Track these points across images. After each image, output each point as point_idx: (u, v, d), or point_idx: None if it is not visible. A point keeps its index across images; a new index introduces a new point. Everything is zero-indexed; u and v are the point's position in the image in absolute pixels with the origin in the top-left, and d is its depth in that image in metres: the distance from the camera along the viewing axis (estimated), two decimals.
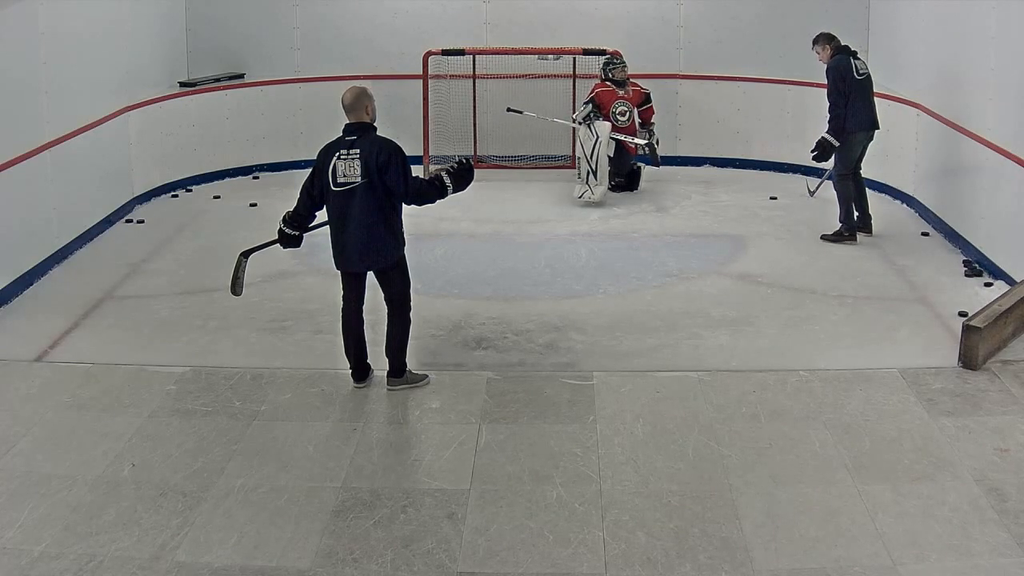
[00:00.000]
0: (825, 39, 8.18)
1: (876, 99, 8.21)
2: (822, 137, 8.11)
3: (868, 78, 8.11)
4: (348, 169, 5.38)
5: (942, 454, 4.94)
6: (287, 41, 10.92)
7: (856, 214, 8.27)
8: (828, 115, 8.06)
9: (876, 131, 8.18)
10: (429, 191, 5.53)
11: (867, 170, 9.16)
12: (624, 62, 9.86)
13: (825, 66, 8.12)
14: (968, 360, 5.85)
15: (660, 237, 8.52)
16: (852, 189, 8.20)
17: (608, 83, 9.85)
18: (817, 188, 8.58)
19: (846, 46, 8.10)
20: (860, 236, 8.23)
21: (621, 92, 9.83)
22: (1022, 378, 5.71)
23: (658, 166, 9.56)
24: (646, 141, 9.67)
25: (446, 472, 4.87)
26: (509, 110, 10.09)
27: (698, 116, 10.80)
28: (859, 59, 8.13)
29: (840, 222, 8.23)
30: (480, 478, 4.80)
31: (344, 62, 10.61)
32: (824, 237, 8.26)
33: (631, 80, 9.91)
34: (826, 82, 8.11)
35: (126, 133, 9.23)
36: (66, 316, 6.84)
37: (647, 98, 9.97)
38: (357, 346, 5.71)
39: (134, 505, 4.58)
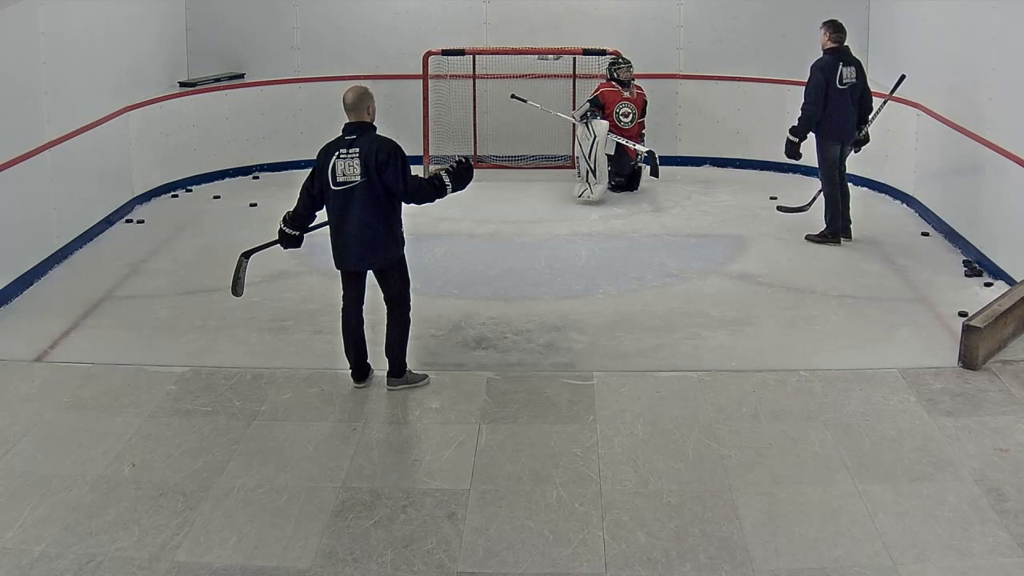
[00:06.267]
0: (830, 27, 8.02)
1: (875, 99, 8.18)
2: (787, 137, 8.20)
3: (852, 87, 7.96)
4: (347, 168, 5.38)
5: (942, 454, 4.94)
6: (287, 41, 10.92)
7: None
8: (800, 111, 8.07)
9: (859, 139, 8.13)
10: (428, 190, 5.53)
11: (868, 170, 9.20)
12: (630, 63, 9.86)
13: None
14: (968, 360, 5.85)
15: (660, 237, 8.52)
16: (838, 190, 8.14)
17: (613, 83, 9.85)
18: (812, 201, 8.60)
19: (845, 47, 8.03)
20: (844, 240, 8.20)
21: (626, 93, 9.84)
22: (1022, 378, 5.72)
23: (657, 176, 9.55)
24: (647, 149, 9.65)
25: (446, 472, 4.87)
26: (513, 97, 10.09)
27: (698, 116, 10.80)
28: (851, 65, 7.97)
29: (826, 223, 8.22)
30: (480, 478, 4.80)
31: (344, 62, 10.62)
32: (808, 237, 8.26)
33: (634, 83, 9.93)
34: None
35: (126, 133, 9.23)
36: (66, 316, 6.84)
37: (646, 106, 9.98)
38: (357, 346, 5.71)
39: (134, 505, 4.58)
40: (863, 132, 8.14)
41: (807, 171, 9.61)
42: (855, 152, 8.28)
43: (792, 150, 8.20)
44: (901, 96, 8.68)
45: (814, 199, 8.51)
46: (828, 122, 7.99)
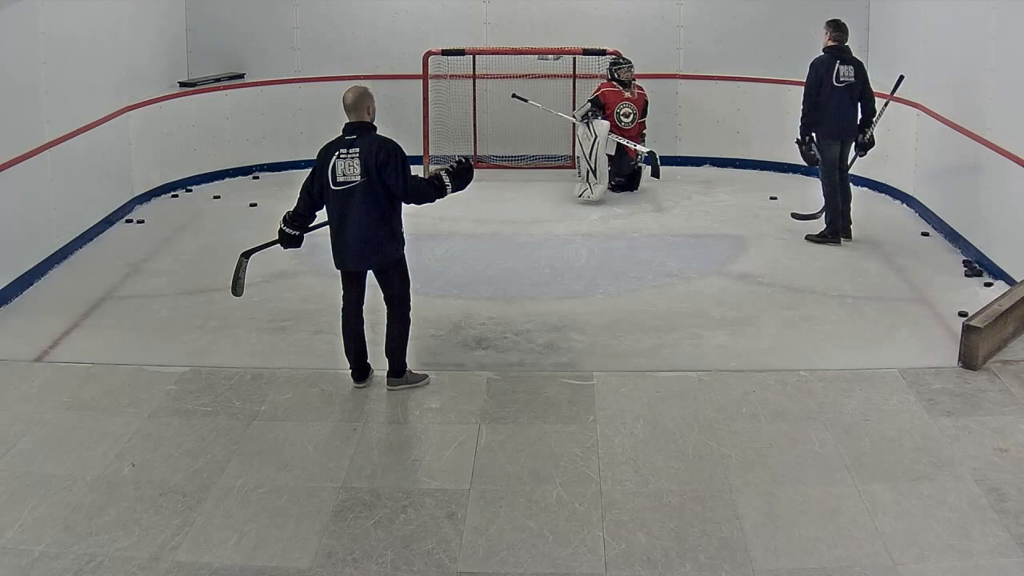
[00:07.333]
0: (831, 26, 8.03)
1: (877, 98, 8.16)
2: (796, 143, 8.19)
3: (851, 86, 7.94)
4: (347, 168, 5.39)
5: (942, 454, 4.94)
6: (287, 41, 10.92)
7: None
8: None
9: (863, 142, 8.11)
10: (428, 190, 5.53)
11: (868, 170, 9.18)
12: (631, 63, 9.86)
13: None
14: (968, 360, 5.85)
15: (660, 237, 8.52)
16: (837, 191, 8.14)
17: (614, 83, 9.85)
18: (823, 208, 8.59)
19: (845, 46, 8.03)
20: (844, 239, 8.18)
21: (627, 93, 9.84)
22: (1022, 378, 5.71)
23: (659, 177, 9.55)
24: (648, 150, 9.65)
25: (446, 472, 4.87)
26: (514, 96, 10.10)
27: (698, 116, 10.81)
28: (850, 64, 7.96)
29: (825, 223, 8.22)
30: (480, 478, 4.80)
31: (344, 62, 10.63)
32: (808, 237, 8.26)
33: (635, 83, 9.93)
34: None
35: (126, 133, 9.24)
36: (66, 316, 6.84)
37: (647, 107, 9.98)
38: (357, 346, 5.71)
39: (134, 505, 4.58)
40: (868, 135, 8.12)
41: (807, 171, 9.60)
42: (861, 156, 8.27)
43: (804, 155, 8.17)
44: (901, 96, 8.68)
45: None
46: (826, 120, 7.99)
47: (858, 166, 8.54)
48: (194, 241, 8.57)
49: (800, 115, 8.08)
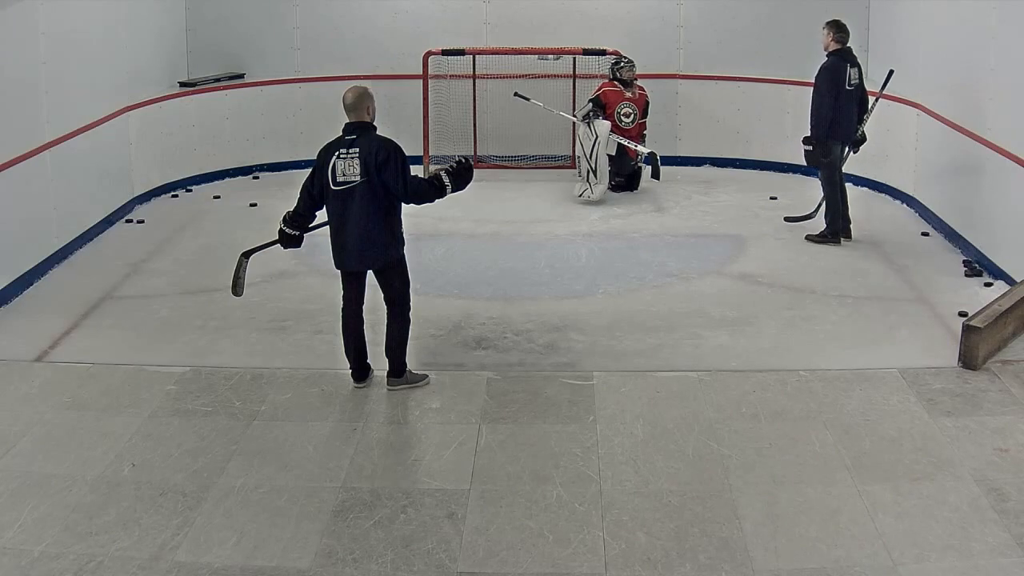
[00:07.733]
0: (834, 27, 7.99)
1: (869, 96, 8.18)
2: (804, 148, 8.10)
3: (856, 89, 7.99)
4: (347, 168, 5.39)
5: (942, 454, 4.94)
6: (287, 41, 10.92)
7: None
8: (811, 117, 7.99)
9: (857, 139, 8.13)
10: (428, 190, 5.53)
11: (868, 170, 9.18)
12: (632, 63, 9.86)
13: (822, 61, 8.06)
14: (968, 360, 5.85)
15: (660, 237, 8.52)
16: (838, 191, 8.13)
17: (615, 83, 9.85)
18: (818, 208, 8.56)
19: (848, 48, 8.03)
20: (844, 240, 8.18)
21: (628, 93, 9.83)
22: (1022, 378, 5.71)
23: (659, 178, 9.53)
24: (648, 150, 9.65)
25: (446, 472, 4.87)
26: (516, 95, 10.09)
27: (698, 116, 10.81)
28: (855, 66, 7.99)
29: (826, 223, 8.22)
30: (480, 478, 4.80)
31: (344, 62, 10.62)
32: (809, 238, 8.26)
33: (636, 83, 9.93)
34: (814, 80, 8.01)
35: (126, 133, 9.24)
36: (66, 316, 6.84)
37: (648, 107, 9.98)
38: (357, 346, 5.71)
39: (134, 505, 4.58)
40: (859, 132, 8.15)
41: (807, 171, 9.61)
42: (854, 152, 8.28)
43: (811, 157, 8.12)
44: (901, 96, 8.70)
45: (819, 206, 8.46)
46: (835, 124, 7.97)
47: (858, 166, 8.55)
48: (194, 241, 8.57)
49: (820, 119, 7.94)
